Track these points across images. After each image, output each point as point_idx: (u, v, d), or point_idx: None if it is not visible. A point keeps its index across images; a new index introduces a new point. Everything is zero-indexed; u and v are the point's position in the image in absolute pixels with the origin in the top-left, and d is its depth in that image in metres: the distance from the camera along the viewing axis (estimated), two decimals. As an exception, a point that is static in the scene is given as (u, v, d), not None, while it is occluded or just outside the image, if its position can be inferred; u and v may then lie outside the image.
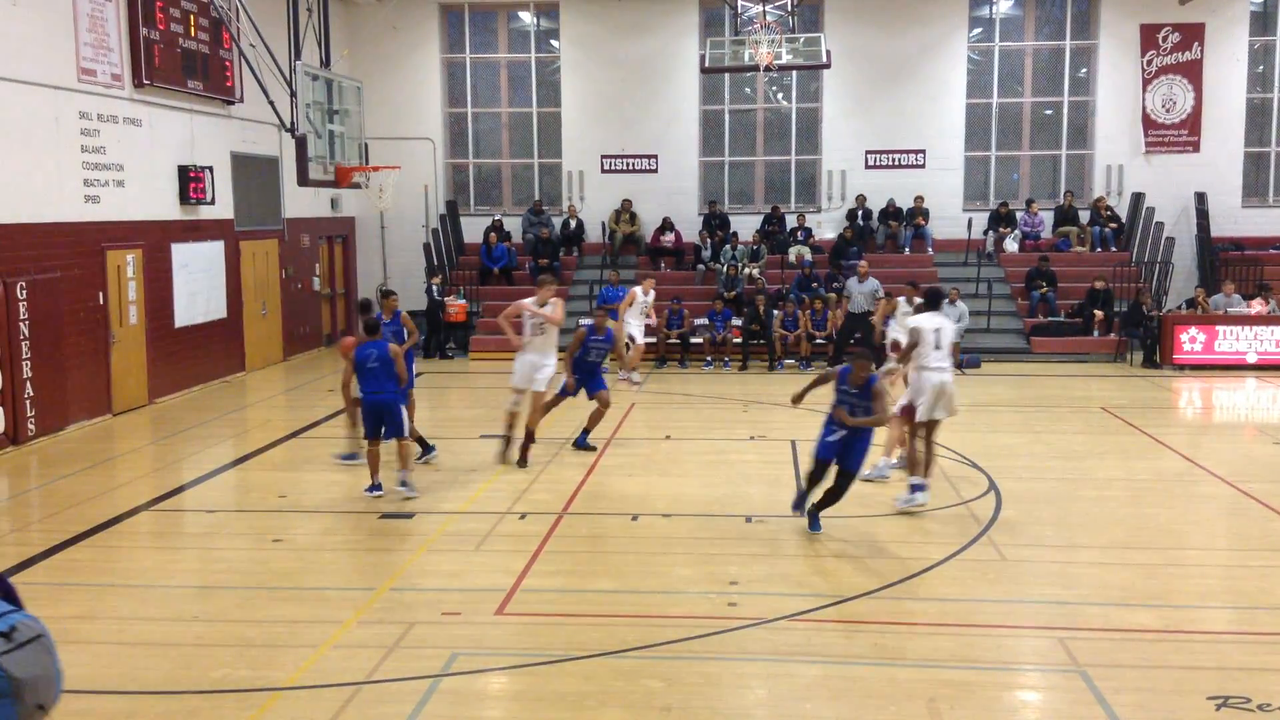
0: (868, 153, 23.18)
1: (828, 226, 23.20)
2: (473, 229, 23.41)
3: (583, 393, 12.66)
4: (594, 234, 23.25)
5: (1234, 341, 18.58)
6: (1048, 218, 22.69)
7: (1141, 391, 16.70)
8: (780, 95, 23.76)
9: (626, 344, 16.82)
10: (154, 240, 16.08)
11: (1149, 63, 22.53)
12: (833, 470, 9.18)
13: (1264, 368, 18.32)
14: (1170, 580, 8.44)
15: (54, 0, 13.86)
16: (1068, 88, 23.10)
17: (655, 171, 23.41)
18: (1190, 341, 18.67)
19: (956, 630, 7.34)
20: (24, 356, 13.17)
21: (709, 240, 22.16)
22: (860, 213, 22.80)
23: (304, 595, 8.13)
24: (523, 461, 11.78)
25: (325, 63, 15.29)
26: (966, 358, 18.04)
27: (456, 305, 20.89)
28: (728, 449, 12.87)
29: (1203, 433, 15.10)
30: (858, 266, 19.38)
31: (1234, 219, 22.55)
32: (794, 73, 22.28)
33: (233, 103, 18.06)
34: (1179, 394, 17.13)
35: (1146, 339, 19.17)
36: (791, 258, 21.84)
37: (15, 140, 13.22)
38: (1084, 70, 23.15)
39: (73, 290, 14.17)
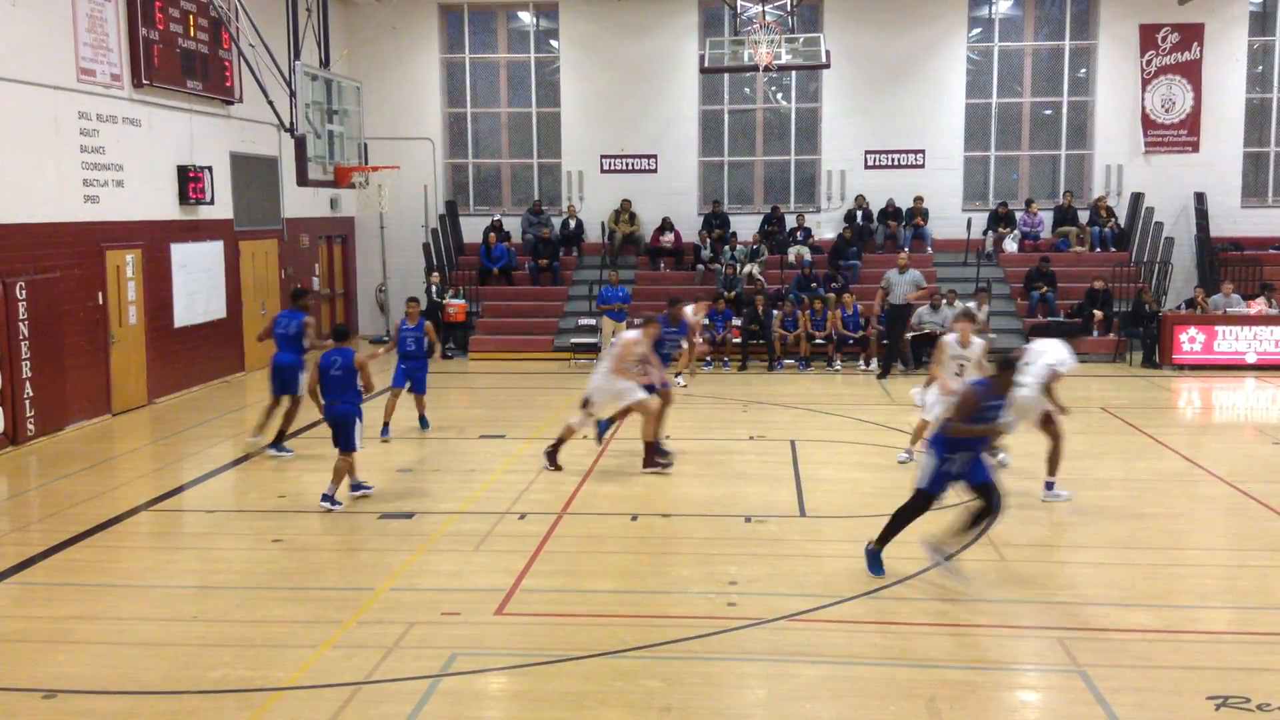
0: (867, 153, 23.18)
1: (827, 226, 23.20)
2: (472, 229, 23.42)
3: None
4: (593, 234, 23.25)
5: (1233, 341, 18.58)
6: (1047, 218, 22.70)
7: (1141, 391, 16.70)
8: (780, 95, 23.76)
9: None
10: (153, 240, 16.08)
11: (1148, 63, 22.54)
12: (924, 496, 8.19)
13: (1263, 368, 18.32)
14: (1170, 580, 8.44)
15: (53, 0, 13.86)
16: (1067, 88, 23.11)
17: (655, 171, 23.41)
18: (1190, 341, 18.67)
19: (956, 630, 7.34)
20: (23, 356, 13.16)
21: (708, 240, 22.16)
22: (860, 213, 22.81)
23: (304, 595, 8.13)
24: (665, 463, 11.65)
25: (325, 63, 15.29)
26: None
27: (456, 305, 20.89)
28: (727, 449, 12.87)
29: (1202, 433, 15.10)
30: (899, 257, 19.15)
31: (1233, 219, 22.55)
32: (793, 73, 22.29)
33: (232, 103, 18.06)
34: (1178, 394, 17.13)
35: (1147, 339, 19.18)
36: (791, 258, 21.85)
37: (15, 140, 13.22)
38: (1083, 70, 23.16)
39: (72, 290, 14.17)
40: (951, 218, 22.79)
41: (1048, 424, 10.35)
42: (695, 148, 23.56)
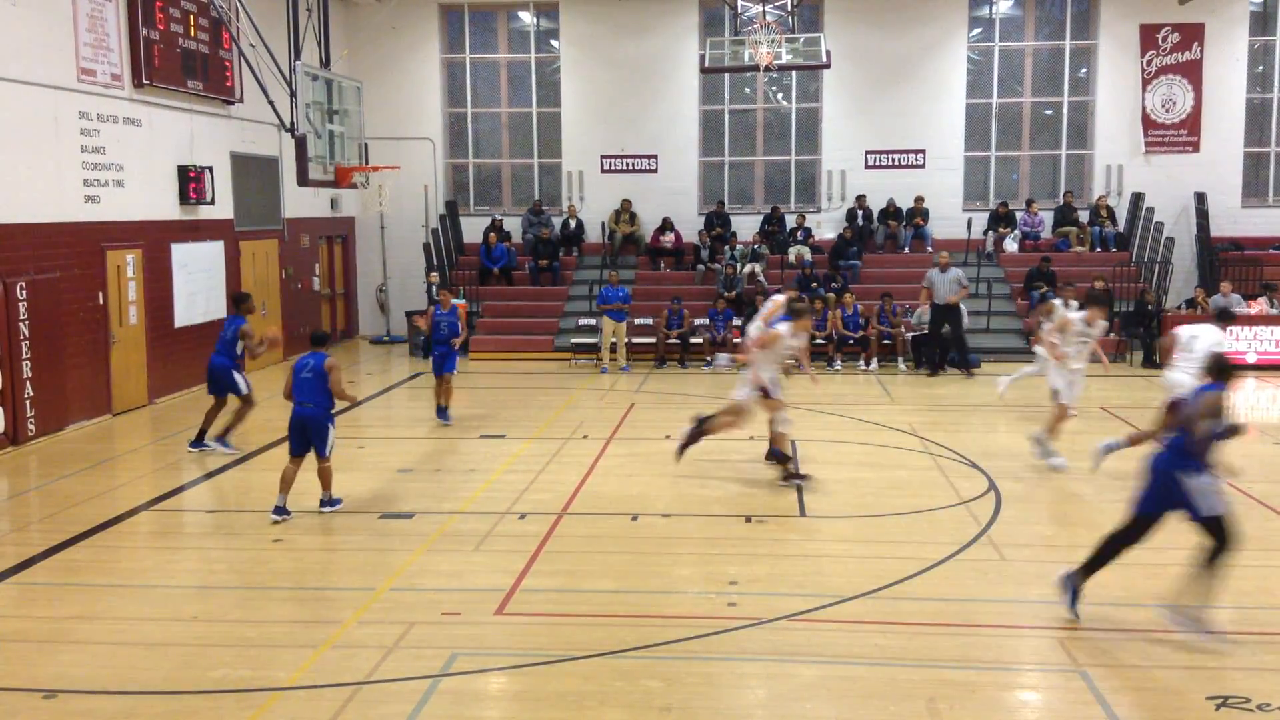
0: (867, 153, 23.19)
1: (827, 226, 23.19)
2: (472, 229, 23.41)
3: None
4: (594, 234, 23.25)
5: (1233, 341, 18.55)
6: (1047, 218, 22.70)
7: (1141, 391, 16.68)
8: (780, 95, 23.76)
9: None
10: (154, 240, 16.08)
11: (1149, 63, 22.54)
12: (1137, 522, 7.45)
13: (1264, 368, 18.31)
14: (1170, 580, 8.42)
15: (54, 0, 13.86)
16: (1067, 88, 23.10)
17: (655, 171, 23.42)
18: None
19: (956, 630, 7.34)
20: (24, 356, 13.17)
21: (708, 240, 22.16)
22: (860, 213, 22.81)
23: (304, 595, 8.14)
24: (790, 473, 11.26)
25: (325, 63, 15.30)
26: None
27: (456, 305, 20.84)
28: (727, 449, 12.86)
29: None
30: (939, 257, 18.86)
31: (1233, 219, 22.55)
32: (794, 73, 22.29)
33: (232, 103, 18.07)
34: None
35: (1147, 339, 19.16)
36: (791, 258, 21.84)
37: (15, 140, 13.23)
38: (1084, 70, 23.15)
39: (72, 290, 14.17)
40: (952, 218, 22.79)
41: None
42: (695, 148, 23.56)
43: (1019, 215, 22.62)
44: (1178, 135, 22.66)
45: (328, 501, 10.16)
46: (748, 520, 9.87)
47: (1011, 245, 22.26)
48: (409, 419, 14.78)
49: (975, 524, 9.67)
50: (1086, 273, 20.70)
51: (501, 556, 8.85)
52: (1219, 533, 7.04)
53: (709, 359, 19.41)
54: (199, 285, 17.29)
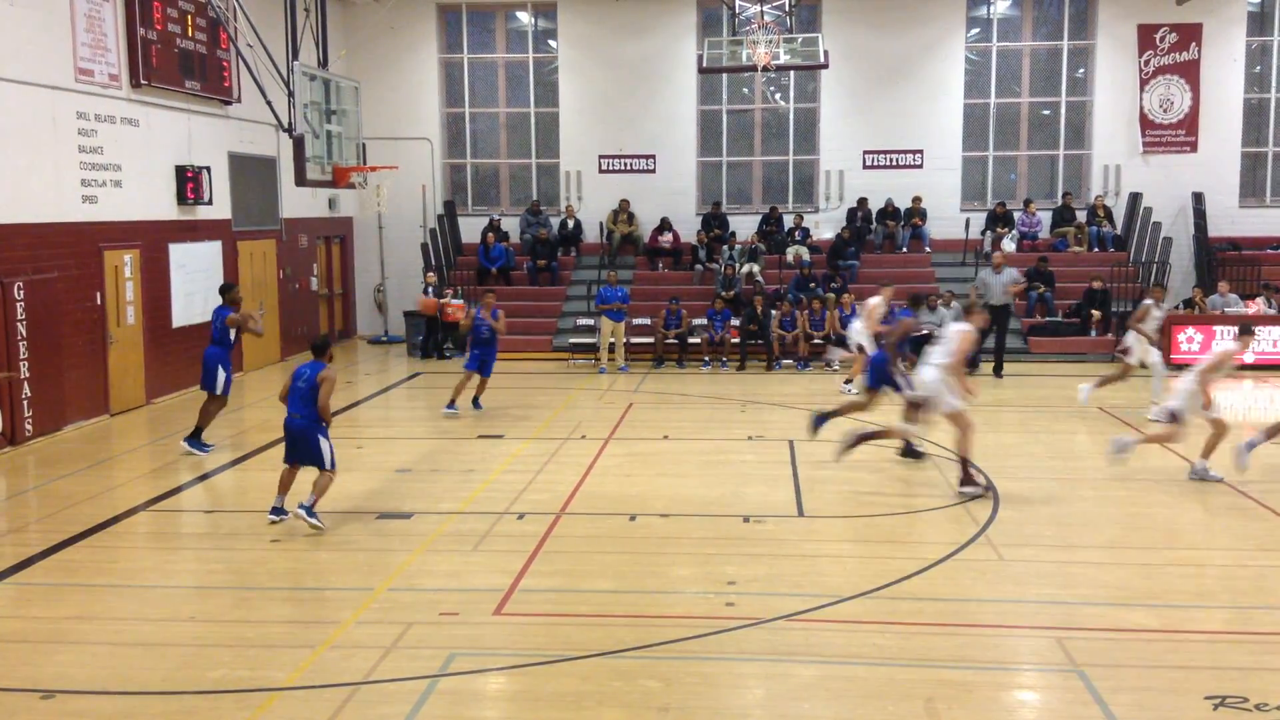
0: (865, 153, 23.19)
1: (826, 227, 23.20)
2: (470, 229, 23.41)
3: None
4: (592, 234, 23.25)
5: (1232, 341, 18.53)
6: (1045, 218, 22.72)
7: (1139, 392, 16.67)
8: (778, 95, 23.77)
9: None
10: (151, 240, 16.06)
11: (1146, 63, 22.55)
12: None
13: (1262, 368, 18.32)
14: (1168, 580, 8.44)
15: (52, 0, 13.85)
16: (1065, 88, 23.12)
17: (653, 172, 23.42)
18: (1188, 341, 18.67)
19: (955, 630, 7.34)
20: (21, 357, 13.15)
21: (706, 240, 22.16)
22: (859, 213, 22.81)
23: (302, 595, 8.13)
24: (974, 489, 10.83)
25: (323, 63, 15.29)
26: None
27: (455, 306, 20.86)
28: (726, 449, 12.87)
29: (1200, 433, 15.06)
30: (993, 257, 18.49)
31: (1231, 219, 22.57)
32: (792, 73, 22.29)
33: (230, 103, 18.06)
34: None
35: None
36: (789, 258, 21.85)
37: (13, 140, 13.21)
38: (1081, 70, 23.17)
39: (70, 290, 14.16)
40: (950, 218, 22.81)
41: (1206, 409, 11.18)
42: (694, 148, 23.57)
43: (1017, 215, 22.63)
44: (1175, 135, 22.68)
45: (309, 510, 9.49)
46: (746, 520, 9.87)
47: (1009, 245, 22.25)
48: (407, 419, 14.77)
49: (973, 524, 9.67)
50: (1084, 272, 20.75)
51: (500, 557, 8.85)
52: None
53: (706, 359, 19.38)
54: (197, 285, 17.27)
